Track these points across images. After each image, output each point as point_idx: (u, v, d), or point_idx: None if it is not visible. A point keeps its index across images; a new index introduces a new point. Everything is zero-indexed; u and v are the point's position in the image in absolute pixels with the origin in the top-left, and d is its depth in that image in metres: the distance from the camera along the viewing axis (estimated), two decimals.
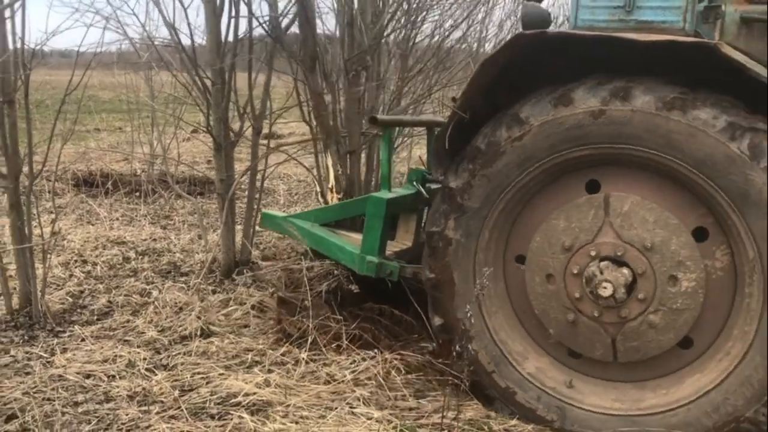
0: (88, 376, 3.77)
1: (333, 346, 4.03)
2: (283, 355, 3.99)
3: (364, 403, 3.45)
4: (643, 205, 3.13)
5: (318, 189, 5.88)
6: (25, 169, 4.60)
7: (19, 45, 4.26)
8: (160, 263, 5.91)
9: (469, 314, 3.29)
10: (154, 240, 6.67)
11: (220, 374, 3.75)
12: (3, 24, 4.11)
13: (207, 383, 3.65)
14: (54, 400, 3.48)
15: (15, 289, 4.79)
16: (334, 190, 5.42)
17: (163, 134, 8.45)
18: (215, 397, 3.49)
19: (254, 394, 3.48)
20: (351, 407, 3.40)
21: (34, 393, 3.55)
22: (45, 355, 4.07)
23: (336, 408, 3.38)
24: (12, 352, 4.10)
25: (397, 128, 6.80)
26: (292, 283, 4.43)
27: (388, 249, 4.09)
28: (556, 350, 3.46)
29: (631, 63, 3.07)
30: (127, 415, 3.35)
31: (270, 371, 3.79)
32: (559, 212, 3.29)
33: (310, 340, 4.02)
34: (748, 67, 2.83)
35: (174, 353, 4.09)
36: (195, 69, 5.25)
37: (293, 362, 3.90)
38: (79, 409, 3.42)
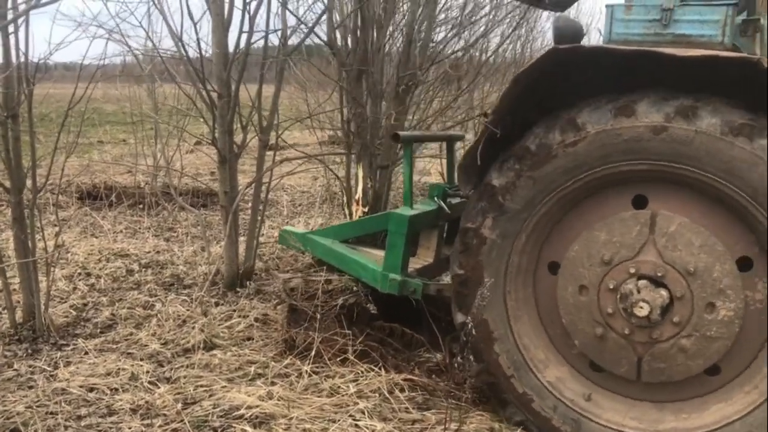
0: (91, 390, 3.77)
1: (338, 360, 4.02)
2: (286, 367, 3.99)
3: (367, 415, 3.43)
4: (690, 227, 3.04)
5: (345, 199, 5.85)
6: (29, 182, 4.62)
7: (22, 59, 4.29)
8: (163, 276, 5.91)
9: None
10: (158, 252, 6.67)
11: (223, 387, 3.75)
12: (7, 39, 4.13)
13: (210, 396, 3.65)
14: (57, 414, 3.48)
15: (19, 302, 4.79)
16: (360, 202, 5.38)
17: (167, 146, 8.47)
18: (218, 410, 3.49)
19: (257, 406, 3.48)
20: (354, 420, 3.39)
21: (37, 407, 3.55)
22: (48, 368, 4.07)
23: (339, 420, 3.37)
24: (15, 366, 4.11)
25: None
26: (306, 293, 4.41)
27: (413, 267, 4.06)
28: (578, 361, 3.41)
29: (669, 78, 3.00)
30: (129, 428, 3.35)
31: (273, 384, 3.78)
32: (602, 224, 3.21)
33: (314, 353, 4.01)
34: None
35: (177, 366, 4.08)
36: (202, 82, 5.26)
37: (296, 375, 3.89)
38: (82, 423, 3.41)
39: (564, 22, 3.53)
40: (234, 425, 3.33)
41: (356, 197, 5.51)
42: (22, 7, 3.79)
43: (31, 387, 3.83)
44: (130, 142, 12.54)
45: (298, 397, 3.63)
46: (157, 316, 4.84)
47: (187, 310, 4.89)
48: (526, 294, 3.45)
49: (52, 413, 3.50)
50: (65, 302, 5.23)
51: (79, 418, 3.47)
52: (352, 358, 4.00)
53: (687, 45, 3.09)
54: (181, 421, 3.38)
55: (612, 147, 3.07)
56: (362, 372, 3.88)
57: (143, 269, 6.11)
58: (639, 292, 3.09)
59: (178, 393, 3.70)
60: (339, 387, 3.74)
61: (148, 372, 3.97)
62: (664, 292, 3.08)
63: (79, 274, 5.90)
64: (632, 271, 3.14)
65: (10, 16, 3.83)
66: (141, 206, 8.34)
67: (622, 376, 3.25)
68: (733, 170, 2.89)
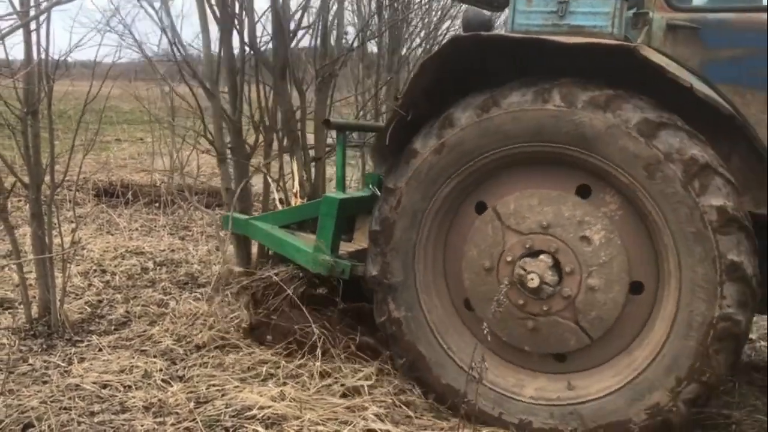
0: (104, 386, 3.78)
1: (342, 356, 4.02)
2: (298, 367, 3.97)
3: (380, 418, 3.42)
4: (523, 196, 3.41)
5: (278, 196, 6.00)
6: (47, 178, 4.64)
7: (43, 56, 4.33)
8: (177, 274, 5.94)
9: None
10: (173, 251, 6.71)
11: (236, 387, 3.74)
12: (29, 36, 4.16)
13: (222, 395, 3.64)
14: (70, 410, 3.49)
15: (34, 297, 4.82)
16: (298, 195, 5.54)
17: (183, 146, 8.50)
18: (230, 409, 3.48)
19: (269, 407, 3.46)
20: (366, 423, 3.37)
21: (51, 402, 3.56)
22: (62, 364, 4.09)
23: (351, 423, 3.35)
24: (30, 361, 4.13)
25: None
26: (262, 295, 4.44)
27: (346, 250, 4.21)
28: (544, 364, 3.51)
29: (561, 64, 3.27)
30: (142, 426, 3.34)
31: (285, 384, 3.77)
32: (468, 244, 3.55)
33: (320, 352, 3.99)
34: (666, 68, 3.04)
35: (190, 364, 4.08)
36: (200, 81, 5.41)
37: (308, 375, 3.87)
38: (95, 419, 3.42)
39: (473, 13, 3.87)
40: (246, 425, 3.33)
41: (294, 190, 5.68)
42: (43, 5, 3.81)
43: (45, 382, 3.84)
44: (147, 141, 12.63)
45: (310, 397, 3.62)
46: (171, 314, 4.85)
47: (201, 308, 4.88)
48: (464, 339, 3.62)
49: (65, 409, 3.51)
50: (80, 299, 5.25)
51: (93, 414, 3.48)
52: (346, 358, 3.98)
53: (580, 35, 3.29)
54: (194, 420, 3.37)
55: (423, 185, 3.52)
56: (372, 373, 3.87)
57: (158, 267, 6.15)
58: (526, 270, 3.33)
59: (191, 392, 3.70)
60: (351, 387, 3.72)
61: (161, 370, 3.98)
62: (543, 256, 3.34)
63: (95, 270, 5.94)
64: (510, 259, 3.42)
65: (31, 13, 3.86)
66: (157, 205, 8.38)
67: (580, 347, 3.38)
68: (508, 134, 3.32)
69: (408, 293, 3.63)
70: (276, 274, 4.38)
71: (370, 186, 4.33)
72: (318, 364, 3.90)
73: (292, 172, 5.68)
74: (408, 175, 3.54)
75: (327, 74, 5.88)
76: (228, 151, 5.44)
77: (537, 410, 3.40)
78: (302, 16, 5.81)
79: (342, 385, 3.72)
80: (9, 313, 4.93)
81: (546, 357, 3.49)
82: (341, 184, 4.42)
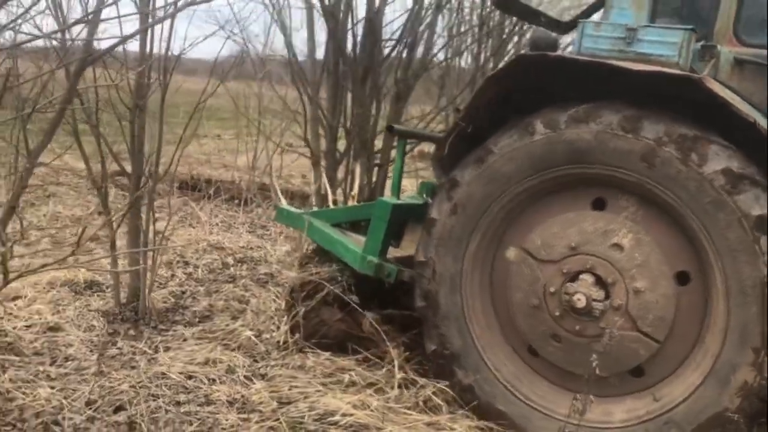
0: (189, 377, 3.86)
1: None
2: (381, 377, 3.95)
3: None
4: (544, 227, 3.47)
5: (331, 197, 6.05)
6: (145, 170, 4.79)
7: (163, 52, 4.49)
8: (257, 272, 6.02)
9: None
10: (251, 249, 6.81)
11: (317, 391, 3.75)
12: (145, 34, 4.31)
13: (305, 398, 3.66)
14: (158, 397, 3.58)
15: (121, 282, 4.96)
16: (356, 199, 5.56)
17: (267, 146, 8.67)
18: (313, 413, 3.50)
19: (351, 415, 3.47)
20: None
21: (140, 387, 3.66)
22: (149, 351, 4.20)
23: None
24: (119, 345, 4.26)
25: None
26: (308, 296, 4.42)
27: (392, 255, 4.20)
28: (624, 385, 3.43)
29: (626, 90, 3.27)
30: (227, 420, 3.40)
31: (367, 393, 3.75)
32: (512, 290, 3.57)
33: (397, 364, 3.95)
34: (731, 103, 3.03)
35: (272, 364, 4.12)
36: (306, 84, 5.50)
37: (389, 386, 3.85)
38: (182, 409, 3.49)
39: (541, 33, 3.90)
40: (329, 431, 3.34)
41: (353, 193, 5.69)
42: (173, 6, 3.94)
43: (133, 367, 3.95)
44: (225, 138, 12.92)
45: (392, 409, 3.60)
46: (253, 311, 4.92)
47: (282, 308, 4.93)
48: (543, 387, 3.60)
49: (153, 396, 3.60)
50: (164, 288, 5.40)
51: (179, 404, 3.56)
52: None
53: (647, 63, 3.28)
54: (277, 419, 3.41)
55: (451, 248, 3.62)
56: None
57: (238, 264, 6.25)
58: (571, 294, 3.33)
59: (273, 391, 3.74)
60: (431, 401, 3.68)
61: (243, 366, 4.03)
62: (582, 276, 3.36)
63: (178, 262, 6.09)
64: (553, 290, 3.43)
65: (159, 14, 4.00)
66: (237, 201, 8.54)
67: (651, 354, 3.31)
68: (509, 175, 3.45)
69: (471, 356, 3.65)
70: (317, 273, 4.40)
71: (424, 195, 4.37)
72: (398, 376, 3.89)
73: (353, 176, 5.75)
74: (434, 243, 3.65)
75: (405, 86, 6.03)
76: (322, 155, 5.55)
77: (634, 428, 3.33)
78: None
79: (424, 401, 3.68)
80: (98, 296, 5.10)
81: (624, 377, 3.42)
82: (397, 190, 4.48)
